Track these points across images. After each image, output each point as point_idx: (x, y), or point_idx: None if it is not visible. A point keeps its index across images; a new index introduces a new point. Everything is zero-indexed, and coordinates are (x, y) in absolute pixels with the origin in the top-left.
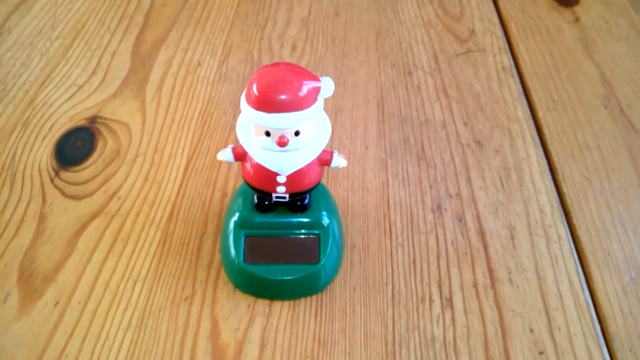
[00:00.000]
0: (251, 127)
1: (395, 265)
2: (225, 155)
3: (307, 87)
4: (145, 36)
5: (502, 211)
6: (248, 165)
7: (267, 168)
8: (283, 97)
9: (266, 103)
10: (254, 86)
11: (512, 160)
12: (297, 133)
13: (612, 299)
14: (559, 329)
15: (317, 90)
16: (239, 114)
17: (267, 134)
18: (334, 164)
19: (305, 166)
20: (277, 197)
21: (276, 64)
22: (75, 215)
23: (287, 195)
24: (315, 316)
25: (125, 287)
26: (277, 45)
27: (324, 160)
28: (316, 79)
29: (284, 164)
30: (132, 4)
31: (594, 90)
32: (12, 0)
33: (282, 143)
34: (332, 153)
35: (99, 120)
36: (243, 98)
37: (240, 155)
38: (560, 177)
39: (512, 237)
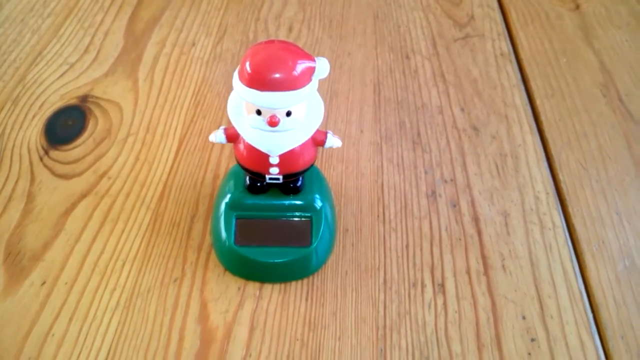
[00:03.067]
0: (242, 105)
1: (387, 250)
2: (218, 136)
3: (301, 66)
4: (139, 15)
5: (497, 197)
6: (241, 146)
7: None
8: (276, 75)
9: (259, 81)
10: (247, 63)
11: (509, 147)
12: (288, 113)
13: (605, 287)
14: (552, 317)
15: (311, 70)
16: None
17: (258, 112)
18: (328, 144)
19: (299, 147)
20: (270, 179)
21: (271, 42)
22: (64, 195)
23: (280, 177)
24: (306, 299)
25: (114, 268)
26: (273, 27)
27: (317, 141)
28: (311, 58)
29: (274, 144)
30: None
31: (592, 78)
32: None
33: (273, 123)
34: (326, 133)
35: (90, 99)
36: (235, 75)
37: (233, 137)
38: (556, 164)
39: (506, 224)
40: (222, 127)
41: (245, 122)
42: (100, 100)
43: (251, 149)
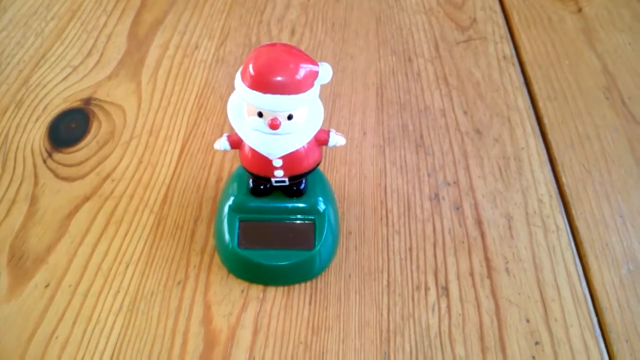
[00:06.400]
0: (243, 107)
1: (391, 253)
2: (222, 144)
3: (305, 71)
4: (142, 18)
5: (500, 200)
6: (245, 151)
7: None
8: (280, 78)
9: (262, 83)
10: (251, 65)
11: (512, 150)
12: (290, 117)
13: (609, 290)
14: (556, 320)
15: (314, 75)
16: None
17: (260, 114)
18: (331, 142)
19: (303, 148)
20: (276, 182)
21: (275, 44)
22: (67, 197)
23: (286, 179)
24: (310, 302)
25: (118, 270)
26: (275, 30)
27: (321, 140)
28: (315, 63)
29: (273, 147)
30: None
31: (595, 80)
32: None
33: (274, 125)
34: (328, 132)
35: (93, 101)
36: (238, 75)
37: (236, 143)
38: (559, 167)
39: (509, 227)
40: (225, 135)
41: (245, 124)
42: (104, 102)
43: (254, 154)
